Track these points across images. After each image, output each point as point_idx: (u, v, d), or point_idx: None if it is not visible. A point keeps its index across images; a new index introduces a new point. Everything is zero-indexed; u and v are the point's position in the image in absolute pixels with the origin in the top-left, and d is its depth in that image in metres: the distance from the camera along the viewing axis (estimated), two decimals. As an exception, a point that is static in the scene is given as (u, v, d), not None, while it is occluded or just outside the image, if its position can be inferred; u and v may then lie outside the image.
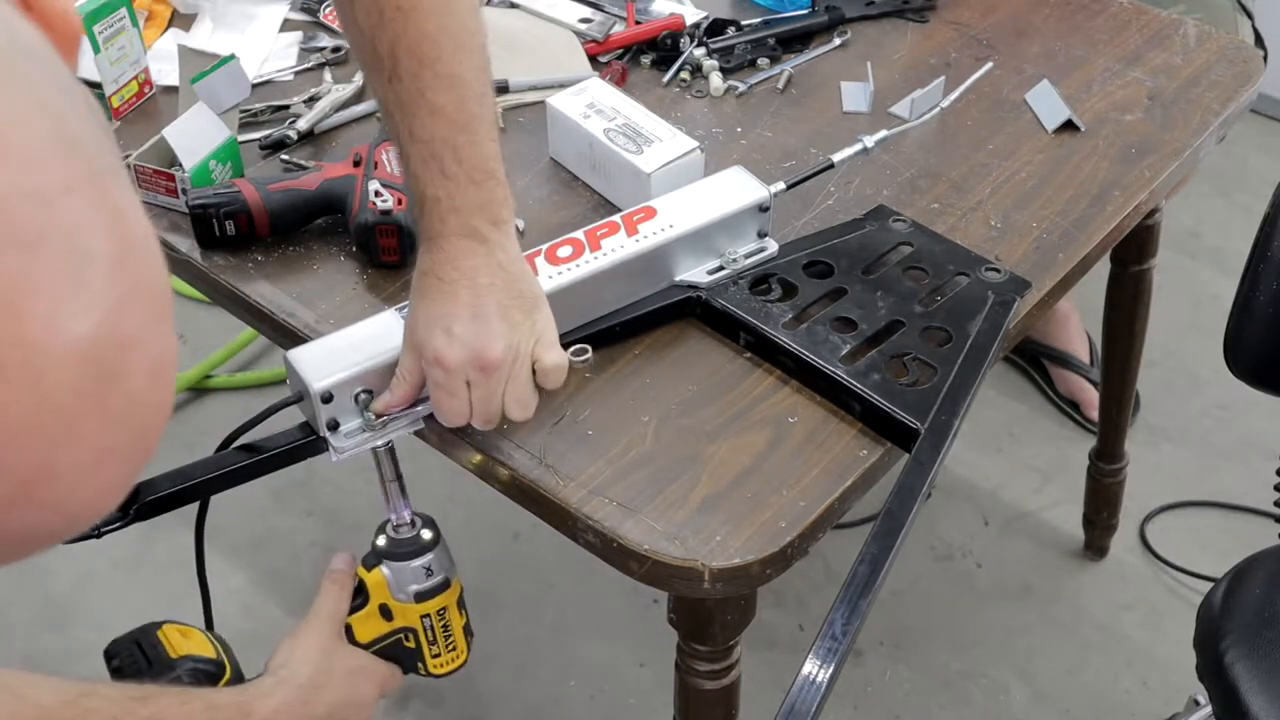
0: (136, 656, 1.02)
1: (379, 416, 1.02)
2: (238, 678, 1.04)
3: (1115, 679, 1.86)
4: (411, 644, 1.10)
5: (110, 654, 1.02)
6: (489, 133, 0.97)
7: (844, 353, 1.10)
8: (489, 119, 0.97)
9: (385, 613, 1.09)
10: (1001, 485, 2.12)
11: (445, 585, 1.09)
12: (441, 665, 1.12)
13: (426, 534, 1.08)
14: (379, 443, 1.04)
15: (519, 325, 0.98)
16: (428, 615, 1.09)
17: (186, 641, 1.04)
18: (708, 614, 1.07)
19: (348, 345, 1.04)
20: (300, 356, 1.03)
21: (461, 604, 1.12)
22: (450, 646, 1.12)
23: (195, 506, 1.11)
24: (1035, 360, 2.27)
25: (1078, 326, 2.24)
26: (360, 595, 1.08)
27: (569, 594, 1.96)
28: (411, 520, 1.08)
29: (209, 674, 1.02)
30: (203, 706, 0.95)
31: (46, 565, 1.94)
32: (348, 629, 1.08)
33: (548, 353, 0.99)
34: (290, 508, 2.04)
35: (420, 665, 1.12)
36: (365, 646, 1.09)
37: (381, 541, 1.08)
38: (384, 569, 1.07)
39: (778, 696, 0.94)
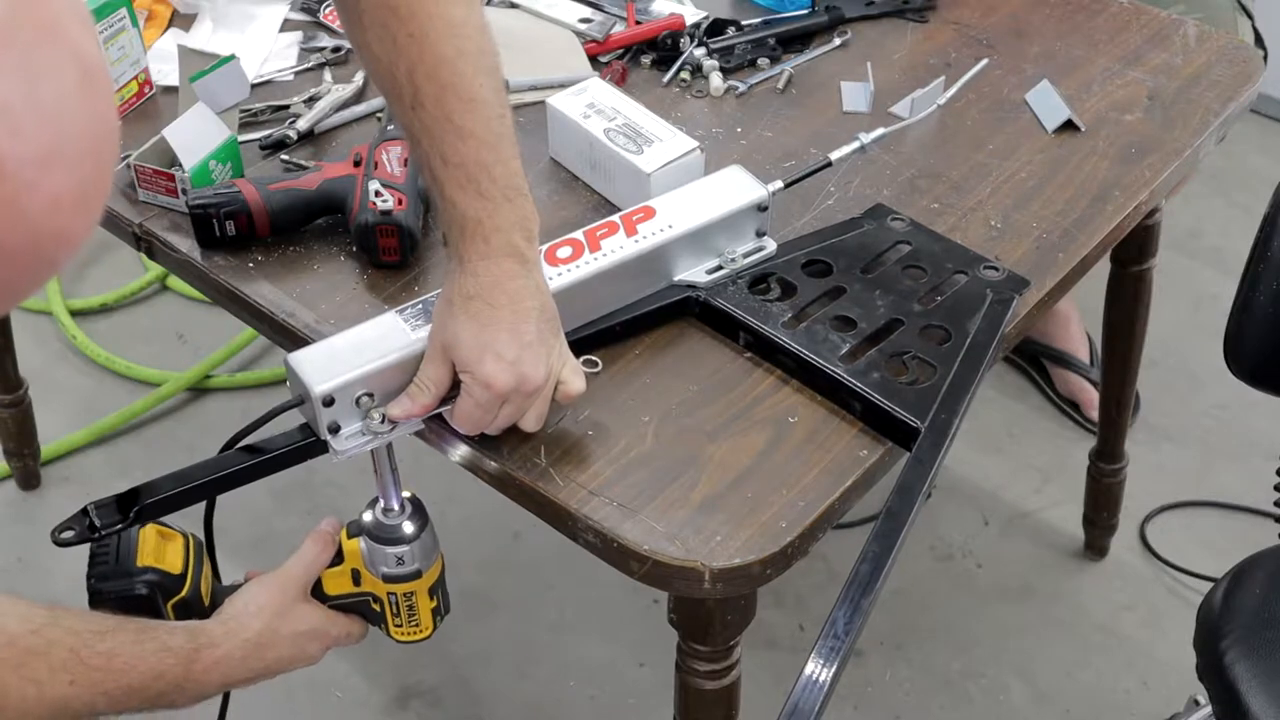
0: (109, 552, 1.07)
1: (393, 423, 1.02)
2: (195, 595, 1.09)
3: (1115, 679, 1.86)
4: (377, 608, 1.14)
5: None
6: (513, 150, 1.00)
7: (843, 351, 1.10)
8: (511, 136, 1.00)
9: (355, 577, 1.13)
10: (1001, 485, 2.12)
11: (416, 575, 1.12)
12: (403, 635, 1.16)
13: (408, 527, 1.11)
14: (380, 445, 1.04)
15: (553, 349, 1.01)
16: (394, 594, 1.13)
17: (162, 547, 1.09)
18: (708, 614, 1.07)
19: (349, 348, 1.04)
20: (301, 360, 1.03)
21: (434, 591, 1.15)
22: (413, 622, 1.15)
23: (195, 508, 1.11)
24: (1035, 360, 2.27)
25: (1078, 326, 2.24)
26: (338, 555, 1.13)
27: (569, 594, 1.96)
28: (401, 506, 1.10)
29: (165, 589, 1.08)
30: (155, 648, 1.01)
31: (46, 565, 1.95)
32: (318, 581, 1.13)
33: (575, 378, 1.04)
34: (291, 508, 2.04)
35: (382, 626, 1.16)
36: (331, 598, 1.14)
37: (367, 518, 1.12)
38: (361, 542, 1.12)
39: (778, 696, 0.94)
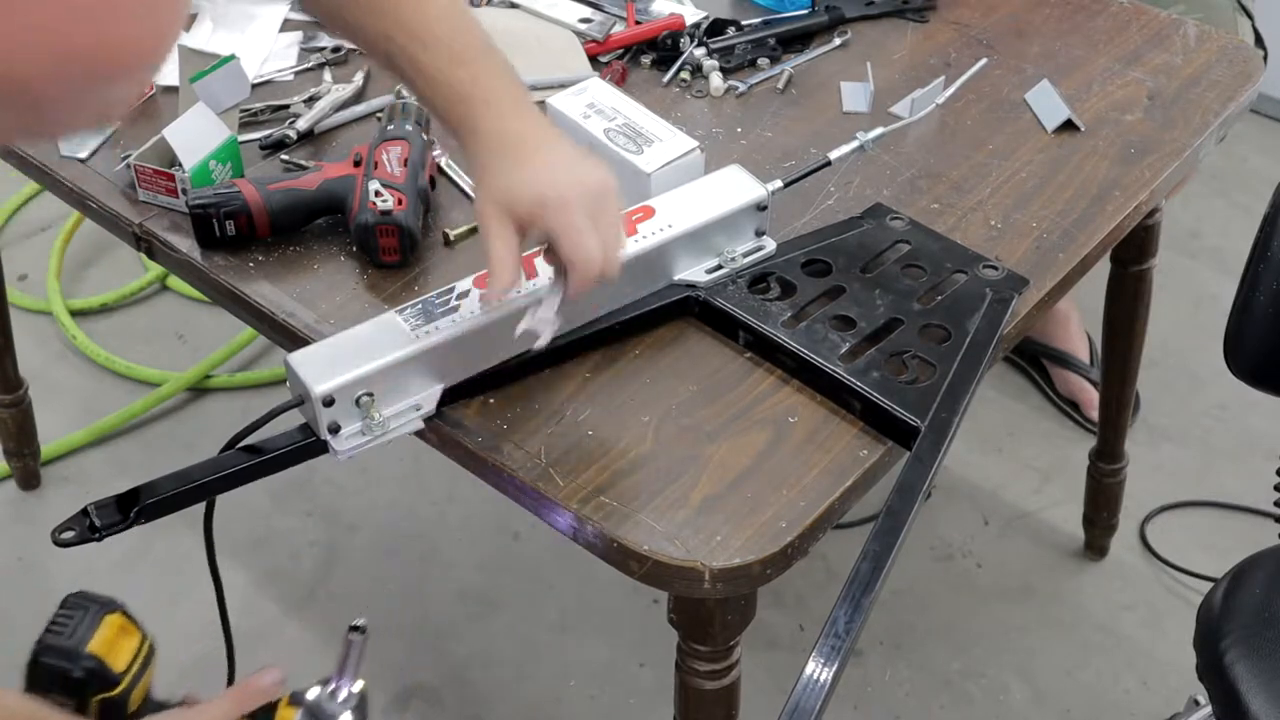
0: (69, 625, 1.05)
1: (488, 305, 1.01)
2: (124, 700, 1.06)
3: (1115, 679, 1.86)
4: None
5: (63, 606, 1.04)
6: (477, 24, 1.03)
7: (843, 351, 1.10)
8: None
9: None
10: (1001, 485, 2.12)
11: None
12: None
13: (345, 718, 1.06)
14: (380, 444, 1.04)
15: (599, 163, 1.02)
16: None
17: (117, 642, 1.06)
18: (708, 614, 1.07)
19: (349, 348, 1.04)
20: (301, 360, 1.03)
21: None
22: None
23: (195, 508, 1.11)
24: (1035, 360, 2.27)
25: (1078, 326, 2.24)
26: (273, 713, 1.07)
27: (569, 594, 1.96)
28: (348, 697, 1.06)
29: (100, 681, 1.05)
30: None
31: (46, 565, 1.95)
32: None
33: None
34: (290, 507, 2.04)
35: None
36: None
37: (313, 694, 1.06)
38: (298, 715, 1.06)
39: (778, 697, 0.94)
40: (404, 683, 1.85)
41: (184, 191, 1.24)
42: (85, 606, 1.05)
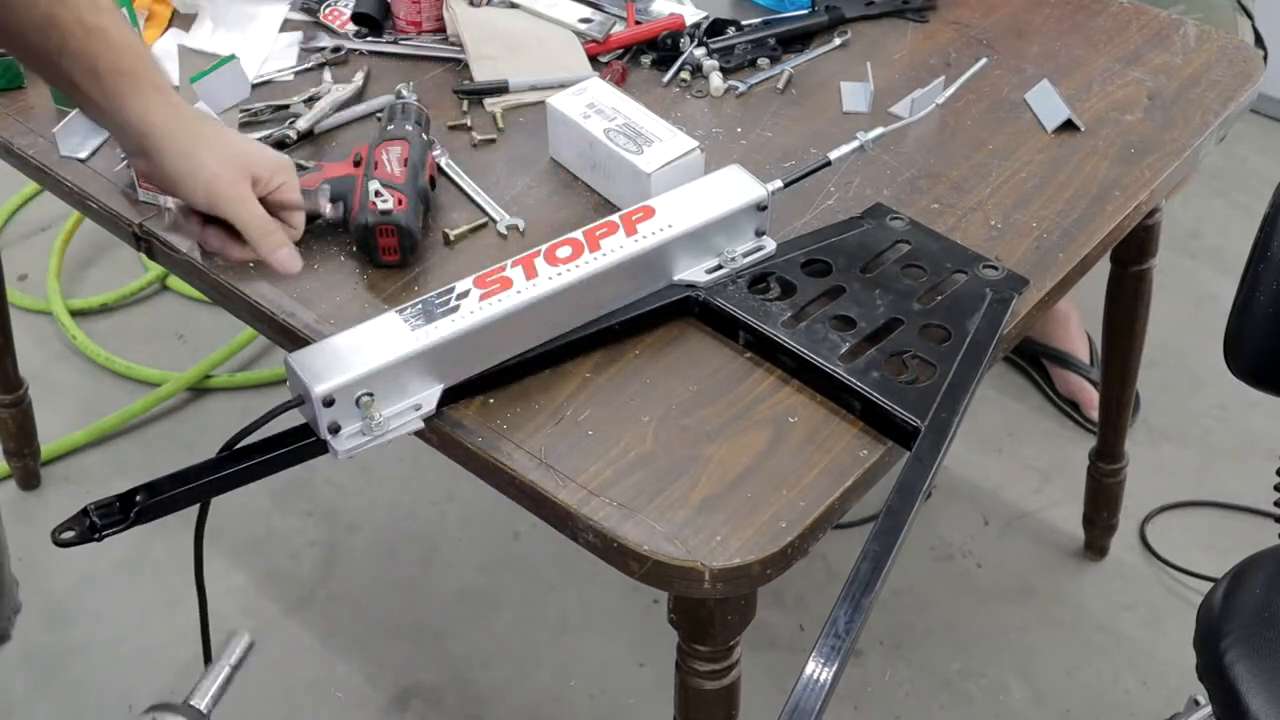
0: None
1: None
2: None
3: (1115, 679, 1.86)
4: None
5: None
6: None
7: (843, 351, 1.10)
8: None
9: None
10: (1001, 485, 2.12)
11: None
12: None
13: None
14: (380, 444, 1.04)
15: None
16: None
17: None
18: (708, 614, 1.07)
19: (349, 348, 1.04)
20: (301, 360, 1.03)
21: None
22: None
23: (189, 510, 1.11)
24: (1035, 360, 2.27)
25: (1078, 326, 2.24)
26: None
27: (569, 594, 1.96)
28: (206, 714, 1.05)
29: None
30: None
31: (46, 565, 1.95)
32: None
33: None
34: (290, 508, 2.04)
35: None
36: None
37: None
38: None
39: (778, 697, 0.94)
40: (404, 683, 1.85)
41: (184, 191, 1.24)
42: None
